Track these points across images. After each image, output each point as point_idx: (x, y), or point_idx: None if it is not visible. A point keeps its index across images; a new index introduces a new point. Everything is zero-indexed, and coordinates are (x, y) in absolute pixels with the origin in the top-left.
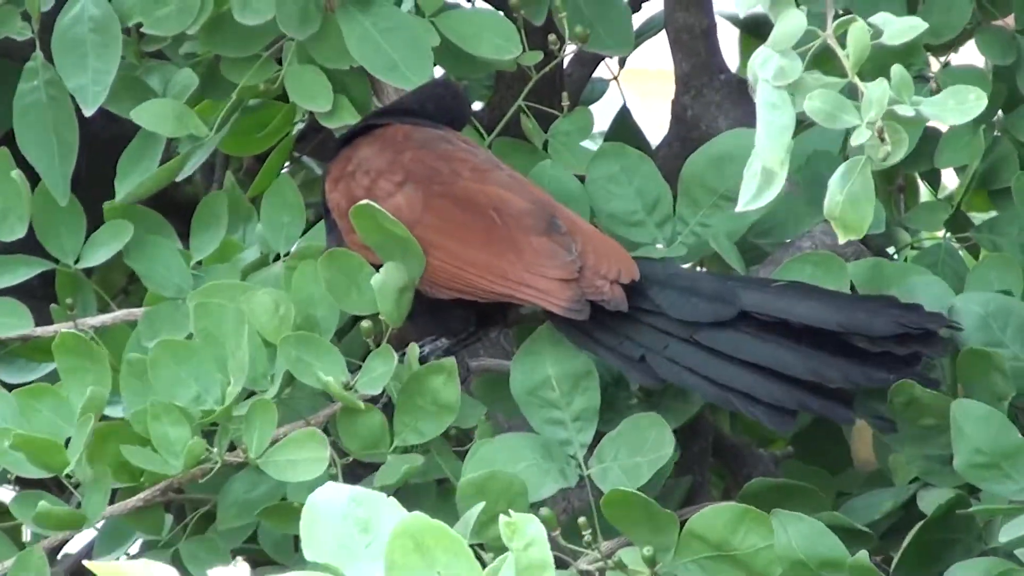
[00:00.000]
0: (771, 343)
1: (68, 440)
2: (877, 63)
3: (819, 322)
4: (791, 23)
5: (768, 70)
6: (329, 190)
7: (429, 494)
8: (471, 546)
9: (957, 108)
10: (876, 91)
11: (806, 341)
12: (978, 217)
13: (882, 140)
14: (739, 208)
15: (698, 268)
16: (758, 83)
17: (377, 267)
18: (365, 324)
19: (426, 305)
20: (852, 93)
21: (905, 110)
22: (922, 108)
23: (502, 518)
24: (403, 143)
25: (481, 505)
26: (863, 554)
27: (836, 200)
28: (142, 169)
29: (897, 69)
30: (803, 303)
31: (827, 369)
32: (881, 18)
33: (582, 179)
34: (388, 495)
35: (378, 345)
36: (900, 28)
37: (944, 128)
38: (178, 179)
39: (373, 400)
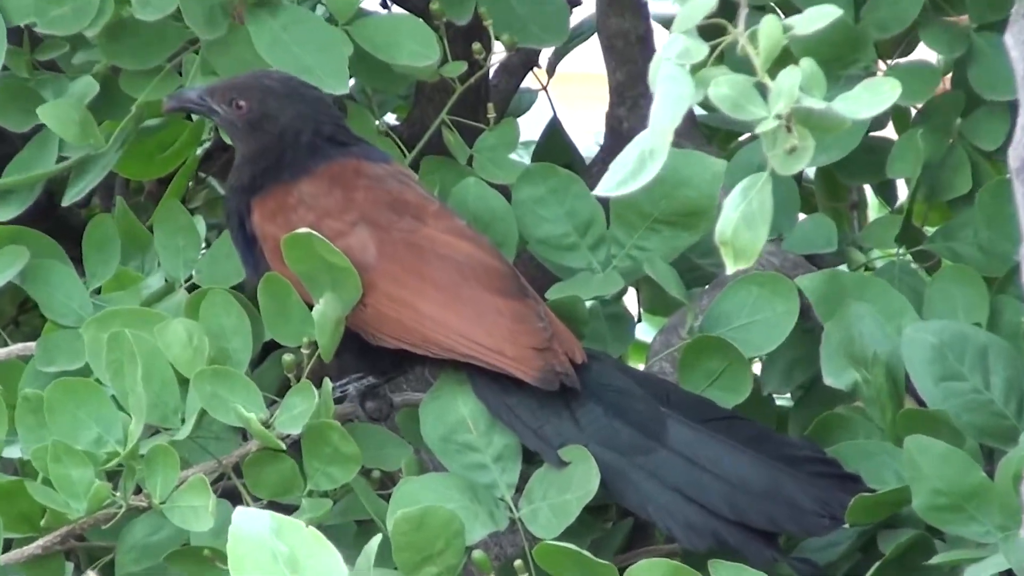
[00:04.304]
0: (696, 469)
1: None
2: (817, 59)
3: (742, 483)
4: (698, 3)
5: (673, 50)
6: (261, 221)
7: (347, 535)
8: None
9: (871, 100)
10: (786, 81)
11: (734, 474)
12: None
13: (789, 130)
14: (601, 192)
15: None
16: (660, 65)
17: (308, 304)
18: (288, 357)
19: (359, 346)
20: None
21: (815, 103)
22: (835, 103)
23: None
24: (354, 179)
25: (379, 537)
26: None
27: (729, 220)
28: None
29: (807, 62)
30: (731, 457)
31: (752, 510)
32: (795, 18)
33: (508, 195)
34: None
35: (299, 380)
36: (811, 16)
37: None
38: (65, 202)
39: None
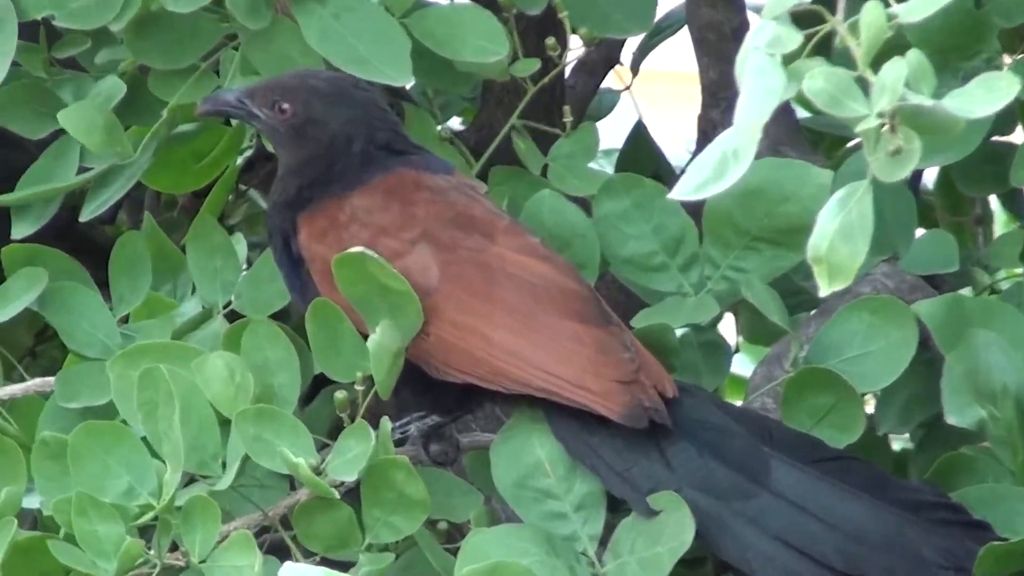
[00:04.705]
0: (803, 515)
1: None
2: (935, 49)
3: (857, 531)
4: None
5: (762, 39)
6: (309, 240)
7: None
8: None
9: (985, 97)
10: (889, 74)
11: (847, 521)
12: None
13: (892, 130)
14: (678, 195)
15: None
16: (748, 56)
17: (363, 334)
18: (340, 395)
19: (421, 380)
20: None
21: (923, 99)
22: (945, 100)
23: None
24: (414, 192)
25: None
26: None
27: (824, 233)
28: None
29: (914, 54)
30: (843, 503)
31: (868, 561)
32: (902, 6)
33: (588, 208)
34: None
35: (353, 420)
36: (920, 2)
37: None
38: (84, 217)
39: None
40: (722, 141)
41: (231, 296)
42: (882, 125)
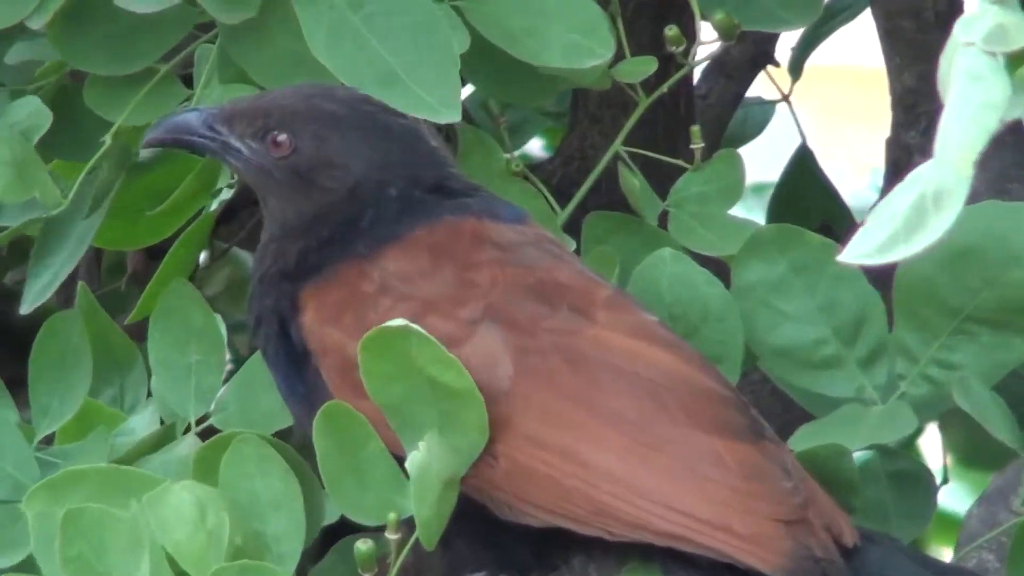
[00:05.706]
0: None
1: None
2: None
3: None
4: None
5: (977, 30)
6: (319, 323)
7: None
8: None
9: None
10: None
11: None
12: None
13: None
14: (851, 258)
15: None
16: (956, 53)
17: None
18: (364, 546)
19: (484, 525)
20: None
21: None
22: None
23: None
24: (472, 249)
25: None
26: None
27: None
28: None
29: None
30: None
31: None
32: None
33: (726, 275)
34: None
35: None
36: None
37: None
38: (25, 309)
39: None
40: (916, 179)
41: (209, 407)
42: None
